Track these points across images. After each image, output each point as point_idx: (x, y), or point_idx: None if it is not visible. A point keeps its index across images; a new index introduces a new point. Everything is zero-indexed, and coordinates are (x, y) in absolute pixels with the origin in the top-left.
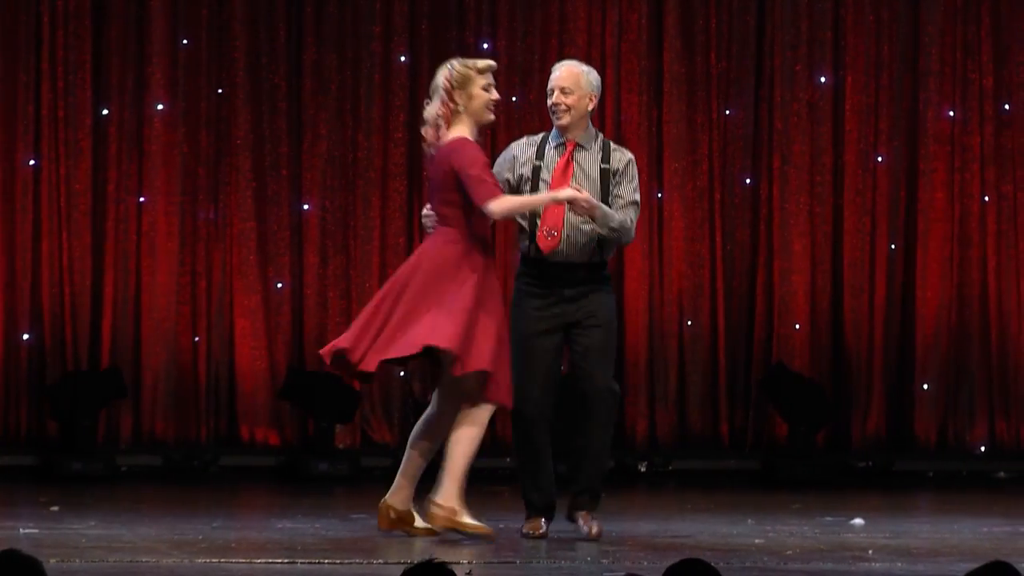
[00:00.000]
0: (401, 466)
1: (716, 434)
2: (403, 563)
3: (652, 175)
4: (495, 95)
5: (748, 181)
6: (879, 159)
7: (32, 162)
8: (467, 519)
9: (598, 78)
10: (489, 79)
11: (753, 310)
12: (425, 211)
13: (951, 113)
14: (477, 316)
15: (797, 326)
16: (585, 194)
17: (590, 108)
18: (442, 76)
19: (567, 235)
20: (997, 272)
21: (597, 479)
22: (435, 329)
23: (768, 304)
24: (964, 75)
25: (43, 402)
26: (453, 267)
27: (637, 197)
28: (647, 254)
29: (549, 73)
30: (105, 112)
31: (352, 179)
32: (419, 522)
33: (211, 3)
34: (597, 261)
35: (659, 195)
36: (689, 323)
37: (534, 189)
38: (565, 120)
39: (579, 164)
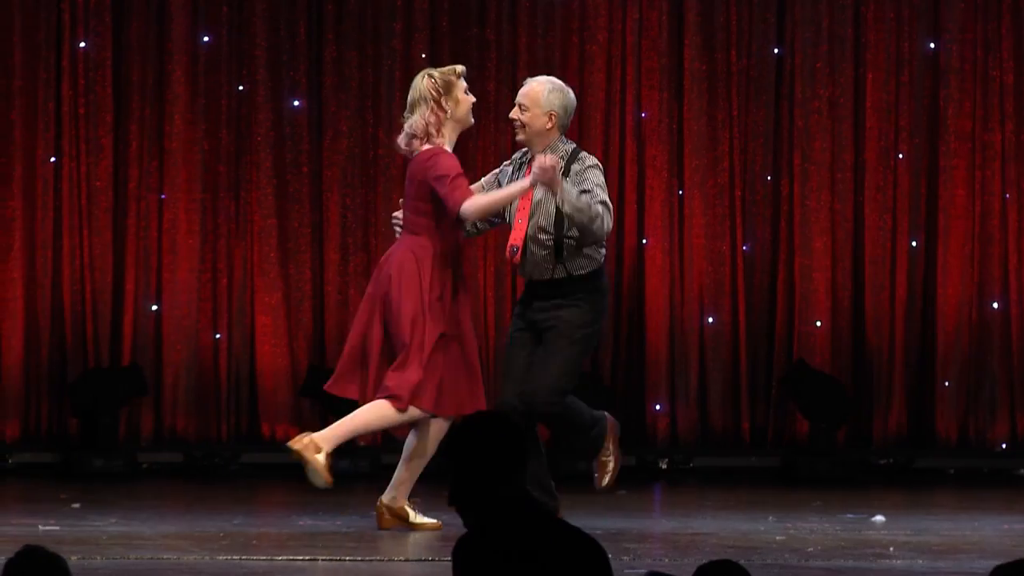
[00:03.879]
0: (398, 466)
1: (737, 431)
2: (425, 560)
3: (673, 172)
4: (473, 98)
5: (769, 178)
6: (900, 156)
7: (53, 159)
8: (416, 518)
9: (566, 98)
10: (465, 83)
11: (774, 307)
12: (396, 215)
13: (972, 110)
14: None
15: (818, 323)
16: (549, 161)
17: (547, 126)
18: (425, 86)
19: (527, 250)
20: (1018, 269)
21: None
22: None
23: (789, 301)
24: (985, 72)
25: (64, 399)
26: (406, 285)
27: (603, 196)
28: (668, 251)
29: (569, 71)
30: (126, 109)
31: (373, 176)
32: (416, 517)
33: (231, 0)
34: (561, 277)
35: (679, 192)
36: (710, 320)
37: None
38: (520, 136)
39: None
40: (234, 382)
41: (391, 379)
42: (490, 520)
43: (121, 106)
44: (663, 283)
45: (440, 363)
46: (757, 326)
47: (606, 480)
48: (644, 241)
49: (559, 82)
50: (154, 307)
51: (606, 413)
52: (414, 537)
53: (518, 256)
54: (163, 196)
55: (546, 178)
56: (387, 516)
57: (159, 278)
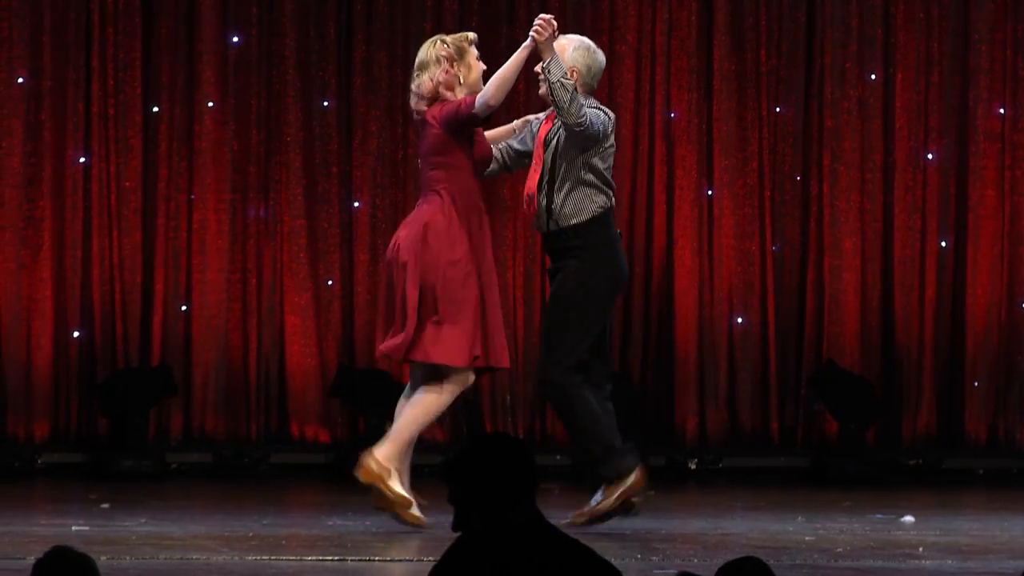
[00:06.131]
0: (394, 423)
1: (766, 432)
2: None
3: (702, 172)
4: (484, 65)
5: (798, 178)
6: (929, 156)
7: (82, 160)
8: (394, 484)
9: (592, 58)
10: (476, 51)
11: (803, 308)
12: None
13: (1001, 110)
14: (423, 299)
15: (847, 323)
16: (546, 16)
17: None
18: (435, 50)
19: (538, 200)
20: None
21: (585, 461)
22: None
23: (818, 302)
24: (1014, 72)
25: (93, 399)
26: (421, 248)
27: (588, 113)
28: (697, 252)
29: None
30: (155, 109)
31: (402, 177)
32: (394, 484)
33: (261, 1)
34: (554, 230)
35: (709, 192)
36: (739, 320)
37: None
38: (542, 89)
39: (555, 132)
40: (263, 382)
41: (438, 347)
42: (498, 546)
43: (150, 106)
44: (692, 283)
45: (468, 316)
46: (786, 326)
47: (583, 512)
48: (673, 241)
49: (589, 42)
50: (183, 307)
51: (641, 465)
52: (443, 538)
53: (534, 205)
54: (192, 196)
55: (543, 35)
56: (371, 468)
57: (188, 278)
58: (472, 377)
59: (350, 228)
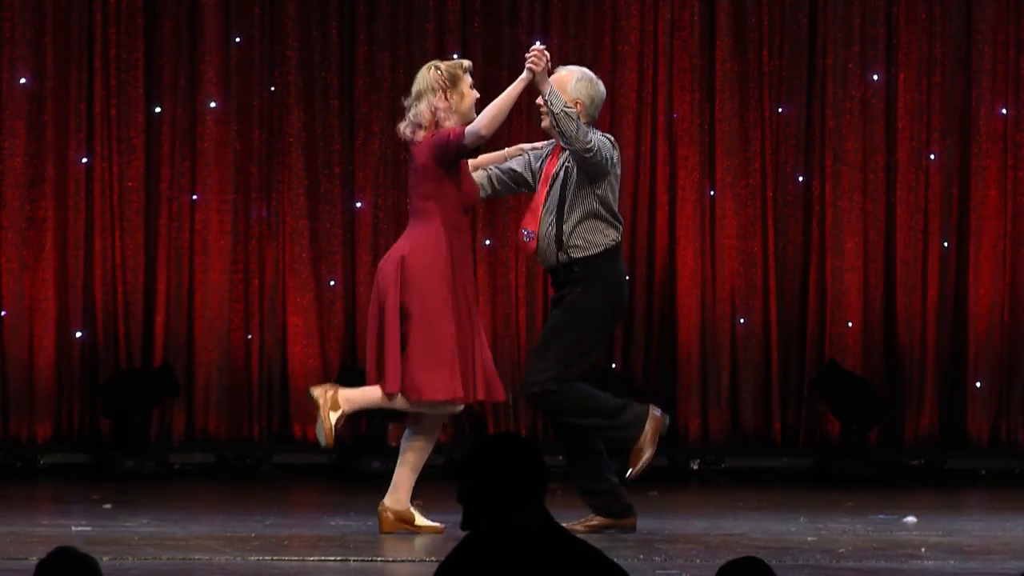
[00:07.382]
0: (396, 468)
1: (769, 432)
2: None
3: (704, 173)
4: (477, 94)
5: (800, 179)
6: (932, 157)
7: (85, 160)
8: (421, 520)
9: (594, 89)
10: (470, 78)
11: (806, 308)
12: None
13: (1004, 111)
14: (406, 334)
15: (850, 324)
16: (537, 52)
17: None
18: (431, 77)
19: (540, 235)
20: None
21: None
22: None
23: (821, 302)
24: (1017, 72)
25: (96, 400)
26: (404, 283)
27: (595, 139)
28: (699, 252)
29: (601, 72)
30: (157, 110)
31: (405, 177)
32: (420, 520)
33: (263, 1)
34: (564, 262)
35: (711, 193)
36: (742, 321)
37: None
38: (545, 122)
39: (562, 166)
40: (266, 383)
41: (420, 378)
42: (505, 546)
43: (153, 107)
44: (695, 284)
45: (453, 351)
46: (789, 327)
47: (634, 471)
48: (676, 242)
49: (589, 73)
50: (186, 308)
51: (651, 406)
52: (449, 539)
53: (533, 242)
54: (195, 197)
55: (539, 66)
56: (390, 519)
57: (191, 279)
58: (452, 410)
59: (352, 228)
